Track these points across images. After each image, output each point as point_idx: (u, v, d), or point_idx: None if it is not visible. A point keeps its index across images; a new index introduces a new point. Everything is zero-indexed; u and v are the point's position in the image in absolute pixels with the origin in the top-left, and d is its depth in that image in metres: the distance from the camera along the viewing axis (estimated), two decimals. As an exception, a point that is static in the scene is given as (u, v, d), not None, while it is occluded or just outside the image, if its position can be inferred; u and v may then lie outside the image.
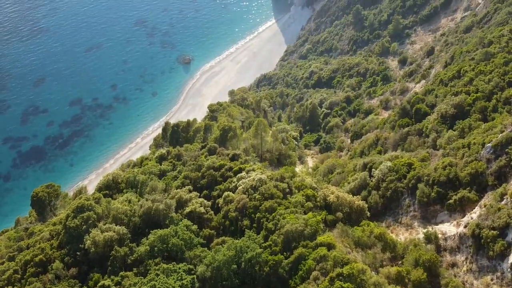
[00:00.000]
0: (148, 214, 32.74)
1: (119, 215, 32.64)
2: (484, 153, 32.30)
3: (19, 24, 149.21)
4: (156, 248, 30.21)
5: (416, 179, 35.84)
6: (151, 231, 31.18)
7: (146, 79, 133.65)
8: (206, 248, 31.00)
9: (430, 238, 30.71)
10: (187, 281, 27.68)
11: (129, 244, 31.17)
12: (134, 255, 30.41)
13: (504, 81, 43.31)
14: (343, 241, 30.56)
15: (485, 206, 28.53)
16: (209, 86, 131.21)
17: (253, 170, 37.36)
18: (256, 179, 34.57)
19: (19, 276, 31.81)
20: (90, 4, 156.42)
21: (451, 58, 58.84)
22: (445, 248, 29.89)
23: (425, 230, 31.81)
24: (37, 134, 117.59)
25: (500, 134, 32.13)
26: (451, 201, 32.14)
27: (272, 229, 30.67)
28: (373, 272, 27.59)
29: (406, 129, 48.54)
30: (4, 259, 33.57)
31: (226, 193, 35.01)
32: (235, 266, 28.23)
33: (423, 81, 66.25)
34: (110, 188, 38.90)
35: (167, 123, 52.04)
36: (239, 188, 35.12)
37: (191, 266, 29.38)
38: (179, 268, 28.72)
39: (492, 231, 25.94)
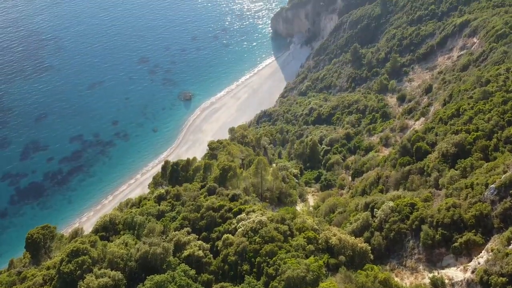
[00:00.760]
0: (145, 258, 31.73)
1: (115, 259, 31.62)
2: (488, 195, 31.76)
3: (25, 62, 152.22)
4: (152, 295, 29.06)
5: (419, 220, 35.08)
6: (147, 276, 30.09)
7: (147, 115, 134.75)
8: (204, 295, 29.84)
9: (436, 284, 29.60)
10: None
11: (125, 291, 30.01)
12: (129, 303, 29.23)
13: (504, 119, 43.38)
14: None
15: (492, 250, 27.68)
16: (210, 122, 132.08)
17: (253, 211, 36.64)
18: (256, 221, 33.82)
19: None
20: (95, 44, 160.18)
21: (450, 96, 59.34)
22: (452, 294, 28.79)
23: (431, 275, 30.73)
24: (37, 170, 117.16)
25: (504, 175, 31.71)
26: (456, 244, 31.25)
27: (273, 274, 29.61)
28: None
29: (407, 167, 48.14)
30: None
31: (225, 236, 34.13)
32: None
33: (422, 119, 66.53)
34: (107, 229, 38.02)
35: (166, 162, 51.71)
36: (238, 230, 34.28)
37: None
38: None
39: (501, 278, 24.99)
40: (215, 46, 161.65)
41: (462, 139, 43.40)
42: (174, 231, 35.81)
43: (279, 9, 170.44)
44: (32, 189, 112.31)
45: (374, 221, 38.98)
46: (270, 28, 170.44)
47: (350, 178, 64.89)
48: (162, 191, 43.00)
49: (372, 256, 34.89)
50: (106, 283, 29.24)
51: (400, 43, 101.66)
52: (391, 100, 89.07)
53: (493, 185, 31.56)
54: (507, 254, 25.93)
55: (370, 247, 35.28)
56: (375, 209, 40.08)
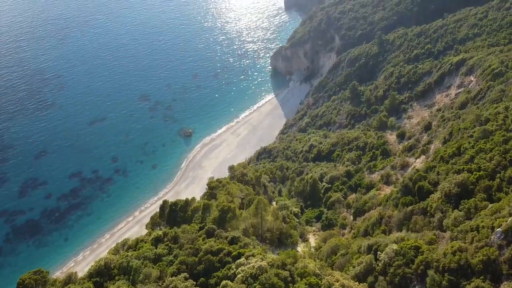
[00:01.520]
0: (139, 307, 30.46)
1: (108, 308, 30.35)
2: (495, 239, 30.84)
3: (27, 100, 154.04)
4: None
5: (425, 264, 33.92)
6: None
7: (147, 151, 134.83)
8: None
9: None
10: None
11: None
12: None
13: (505, 159, 42.98)
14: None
15: (502, 299, 26.54)
16: (210, 158, 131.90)
17: (253, 255, 35.51)
18: (256, 266, 32.69)
19: None
20: (97, 83, 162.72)
21: (450, 135, 59.28)
22: None
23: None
24: (34, 207, 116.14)
25: (510, 218, 30.92)
26: (465, 291, 30.05)
27: (274, 324, 28.32)
28: None
29: (410, 207, 47.27)
30: None
31: (224, 282, 32.87)
32: None
33: (423, 157, 66.23)
34: (102, 274, 36.74)
35: (165, 202, 50.86)
36: (238, 276, 33.06)
37: None
38: None
39: (514, 330, 23.76)
40: (215, 83, 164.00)
41: (465, 179, 42.82)
42: (171, 277, 34.56)
43: (278, 48, 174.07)
44: (29, 227, 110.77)
45: (377, 265, 37.77)
46: (269, 66, 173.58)
47: (351, 217, 63.74)
48: (160, 232, 41.97)
49: (377, 303, 33.55)
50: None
51: (398, 80, 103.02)
52: (391, 137, 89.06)
53: (499, 229, 30.72)
54: (518, 304, 24.79)
55: (374, 293, 34.01)
56: (378, 252, 38.97)
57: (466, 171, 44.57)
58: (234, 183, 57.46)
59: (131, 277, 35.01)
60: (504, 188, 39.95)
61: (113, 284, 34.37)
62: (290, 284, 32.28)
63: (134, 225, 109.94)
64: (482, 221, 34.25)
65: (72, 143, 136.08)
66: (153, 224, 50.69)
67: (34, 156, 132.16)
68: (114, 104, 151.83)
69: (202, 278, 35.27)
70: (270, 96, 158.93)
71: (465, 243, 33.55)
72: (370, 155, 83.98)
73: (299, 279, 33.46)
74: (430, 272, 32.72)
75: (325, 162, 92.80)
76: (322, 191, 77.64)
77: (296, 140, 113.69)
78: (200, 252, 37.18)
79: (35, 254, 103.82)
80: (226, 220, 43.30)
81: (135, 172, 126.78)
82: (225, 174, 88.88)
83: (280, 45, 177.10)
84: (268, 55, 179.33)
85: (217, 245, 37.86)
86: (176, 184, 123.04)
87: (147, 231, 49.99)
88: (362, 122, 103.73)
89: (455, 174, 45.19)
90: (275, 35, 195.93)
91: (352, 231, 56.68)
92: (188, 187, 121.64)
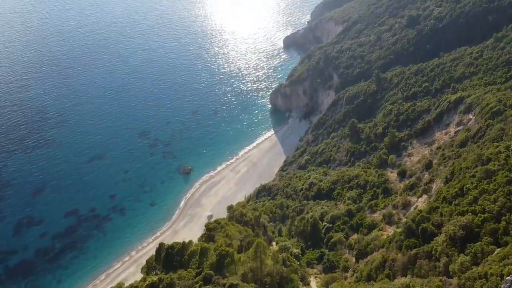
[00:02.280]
0: None
1: None
2: (505, 287, 29.49)
3: (26, 136, 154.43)
4: None
5: (432, 314, 32.38)
6: None
7: (145, 189, 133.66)
8: None
9: None
10: None
11: None
12: None
13: (510, 201, 42.08)
14: None
15: None
16: (208, 196, 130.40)
17: (252, 304, 33.89)
18: (254, 317, 31.06)
19: None
20: (98, 120, 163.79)
21: (452, 174, 58.57)
22: None
23: None
24: (28, 247, 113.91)
25: (519, 266, 29.73)
26: None
27: None
28: None
29: (414, 250, 45.84)
30: None
31: (221, 334, 31.17)
32: None
33: (425, 196, 65.23)
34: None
35: (161, 245, 49.34)
36: (235, 328, 31.39)
37: None
38: None
39: None
40: (215, 120, 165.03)
41: (469, 221, 41.74)
42: (165, 328, 32.81)
43: (277, 85, 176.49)
44: (22, 267, 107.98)
45: (383, 314, 36.09)
46: (269, 103, 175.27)
47: (354, 260, 61.86)
48: (155, 278, 40.34)
49: None
50: None
51: (397, 118, 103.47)
52: (392, 175, 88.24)
53: (509, 277, 29.41)
54: None
55: None
56: (383, 300, 37.36)
57: (470, 213, 43.55)
58: (233, 224, 56.12)
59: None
60: (511, 231, 38.82)
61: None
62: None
63: (130, 266, 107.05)
64: (490, 268, 32.96)
65: (70, 181, 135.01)
66: (148, 268, 48.96)
67: (31, 194, 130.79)
68: (114, 142, 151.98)
69: (198, 329, 33.51)
70: (270, 133, 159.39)
71: (473, 291, 32.15)
72: (371, 194, 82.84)
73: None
74: (439, 323, 31.19)
75: (326, 200, 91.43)
76: (323, 231, 75.89)
77: (296, 177, 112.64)
78: (197, 301, 35.56)
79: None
80: (224, 265, 41.79)
81: (133, 210, 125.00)
82: (224, 211, 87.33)
83: (280, 83, 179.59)
84: (267, 92, 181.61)
85: (215, 293, 36.26)
86: (174, 222, 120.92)
87: (141, 277, 48.17)
88: (362, 160, 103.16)
89: (459, 216, 44.13)
90: (274, 73, 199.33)
91: (355, 274, 54.78)
92: (187, 225, 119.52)
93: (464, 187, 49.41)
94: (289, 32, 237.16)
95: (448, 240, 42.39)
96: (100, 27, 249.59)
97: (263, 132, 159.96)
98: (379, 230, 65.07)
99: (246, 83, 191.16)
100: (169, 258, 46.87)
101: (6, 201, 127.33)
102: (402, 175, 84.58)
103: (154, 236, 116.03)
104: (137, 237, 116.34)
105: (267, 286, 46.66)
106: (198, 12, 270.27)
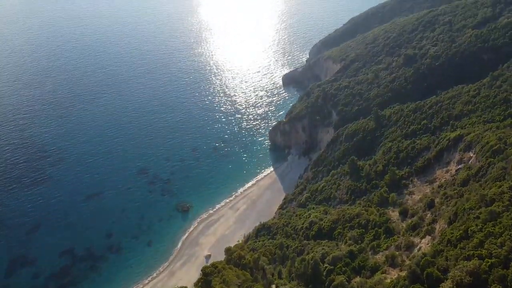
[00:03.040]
0: None
1: None
2: None
3: (24, 174, 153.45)
4: None
5: None
6: None
7: (142, 227, 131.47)
8: None
9: None
10: None
11: None
12: None
13: (517, 245, 40.62)
14: None
15: None
16: (207, 235, 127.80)
17: None
18: None
19: None
20: (97, 157, 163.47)
21: (455, 215, 57.17)
22: None
23: None
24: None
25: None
26: None
27: None
28: None
29: (420, 297, 43.86)
30: None
31: None
32: None
33: (428, 237, 63.45)
34: None
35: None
36: None
37: None
38: None
39: None
40: (214, 157, 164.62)
41: (476, 267, 40.10)
42: None
43: (276, 122, 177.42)
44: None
45: None
46: (268, 140, 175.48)
47: (357, 305, 59.25)
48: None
49: None
50: None
51: (397, 155, 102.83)
52: (393, 214, 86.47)
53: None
54: None
55: None
56: None
57: (476, 257, 41.95)
58: (231, 268, 54.15)
59: None
60: (520, 277, 37.18)
61: None
62: None
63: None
64: (501, 319, 31.20)
65: (67, 219, 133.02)
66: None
67: (25, 232, 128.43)
68: (112, 180, 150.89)
69: None
70: (269, 170, 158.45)
71: None
72: (373, 234, 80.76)
73: None
74: None
75: (327, 240, 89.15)
76: (324, 273, 73.32)
77: (296, 215, 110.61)
78: None
79: None
80: (221, 314, 39.81)
81: (129, 249, 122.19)
82: (222, 251, 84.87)
83: (279, 120, 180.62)
84: (266, 129, 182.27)
85: None
86: (171, 262, 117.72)
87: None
88: (362, 198, 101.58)
89: (465, 261, 42.50)
90: (273, 111, 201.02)
91: (359, 321, 52.23)
92: (184, 266, 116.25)
93: (469, 229, 47.97)
94: (287, 70, 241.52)
95: (455, 287, 40.56)
96: (102, 67, 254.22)
97: (263, 169, 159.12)
98: (382, 273, 62.75)
99: (245, 120, 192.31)
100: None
101: (0, 242, 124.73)
102: (404, 214, 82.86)
103: (150, 277, 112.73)
104: (132, 278, 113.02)
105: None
106: (198, 51, 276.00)
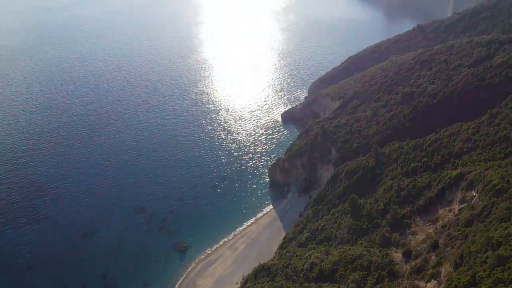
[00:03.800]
0: None
1: None
2: None
3: (19, 214, 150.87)
4: None
5: None
6: None
7: (138, 267, 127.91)
8: None
9: None
10: None
11: None
12: None
13: (528, 293, 38.71)
14: None
15: None
16: (204, 276, 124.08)
17: None
18: None
19: None
20: (93, 195, 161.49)
21: (461, 258, 55.19)
22: None
23: None
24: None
25: None
26: None
27: None
28: None
29: None
30: None
31: None
32: None
33: (434, 281, 61.08)
34: None
35: None
36: None
37: None
38: None
39: None
40: (213, 195, 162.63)
41: (487, 317, 38.01)
42: None
43: (276, 160, 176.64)
44: None
45: None
46: (267, 178, 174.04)
47: None
48: None
49: None
50: None
51: (398, 194, 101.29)
52: (396, 255, 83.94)
53: None
54: None
55: None
56: None
57: (486, 306, 39.94)
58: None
59: None
60: (534, 329, 35.09)
61: None
62: None
63: None
64: None
65: (61, 259, 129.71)
66: None
67: (18, 273, 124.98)
68: (108, 217, 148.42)
69: None
70: (269, 208, 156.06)
71: None
72: (376, 276, 77.97)
73: None
74: None
75: (328, 283, 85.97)
76: (327, 319, 70.16)
77: (296, 256, 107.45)
78: None
79: None
80: None
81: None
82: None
83: (278, 157, 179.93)
84: (266, 166, 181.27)
85: None
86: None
87: None
88: (364, 238, 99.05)
89: (475, 310, 40.43)
90: (272, 148, 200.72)
91: None
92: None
93: (477, 275, 46.03)
94: (287, 107, 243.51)
95: (465, 338, 38.27)
96: (102, 105, 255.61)
97: (262, 207, 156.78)
98: (387, 320, 59.88)
99: (245, 158, 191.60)
100: None
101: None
102: (407, 255, 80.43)
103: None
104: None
105: None
106: (198, 90, 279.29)
